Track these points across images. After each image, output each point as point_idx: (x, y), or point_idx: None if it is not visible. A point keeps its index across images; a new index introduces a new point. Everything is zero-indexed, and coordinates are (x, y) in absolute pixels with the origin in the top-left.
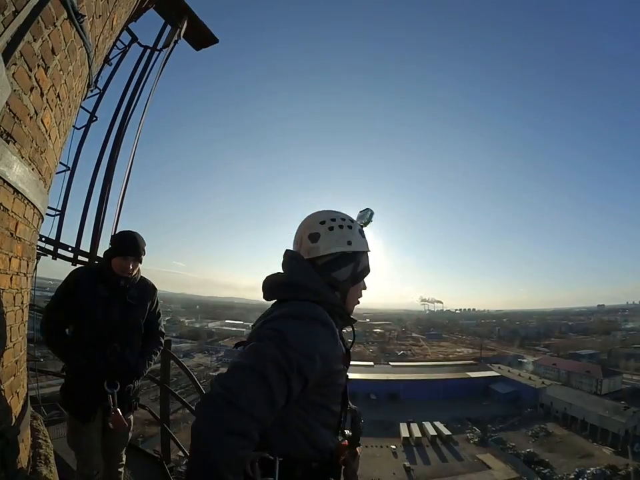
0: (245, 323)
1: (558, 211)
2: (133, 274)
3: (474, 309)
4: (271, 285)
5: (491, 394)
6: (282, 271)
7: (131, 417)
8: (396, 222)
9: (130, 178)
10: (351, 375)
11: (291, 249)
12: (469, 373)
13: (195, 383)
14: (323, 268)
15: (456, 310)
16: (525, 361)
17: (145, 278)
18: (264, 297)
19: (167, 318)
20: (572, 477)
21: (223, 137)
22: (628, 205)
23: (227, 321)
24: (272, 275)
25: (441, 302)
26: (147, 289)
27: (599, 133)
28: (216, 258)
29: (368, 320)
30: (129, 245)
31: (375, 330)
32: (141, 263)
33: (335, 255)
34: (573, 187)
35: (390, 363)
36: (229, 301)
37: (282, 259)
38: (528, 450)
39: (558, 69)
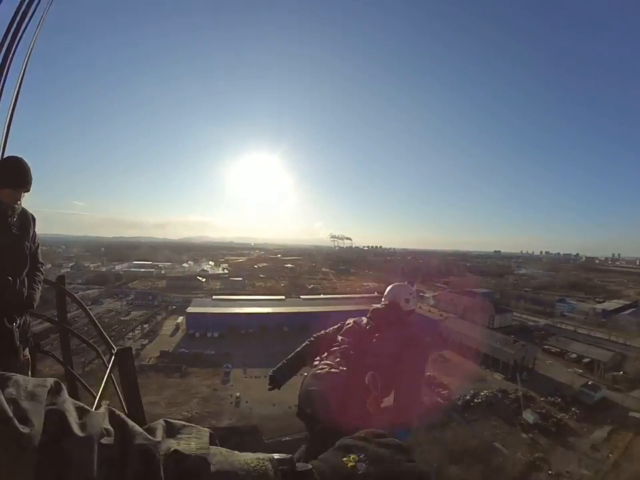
0: (154, 263)
1: (466, 160)
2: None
3: (381, 247)
4: None
5: None
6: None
7: (27, 353)
8: (308, 158)
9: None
10: (264, 309)
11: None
12: (374, 305)
13: (93, 321)
14: None
15: (364, 247)
16: (425, 295)
17: (24, 208)
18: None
19: (70, 264)
20: (468, 397)
21: (126, 62)
22: (529, 163)
23: (134, 262)
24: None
25: (350, 239)
26: (27, 219)
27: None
28: (118, 195)
29: (279, 255)
30: (21, 176)
31: (286, 265)
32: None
33: None
34: (480, 140)
35: (301, 296)
36: (136, 240)
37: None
38: (428, 374)
39: None
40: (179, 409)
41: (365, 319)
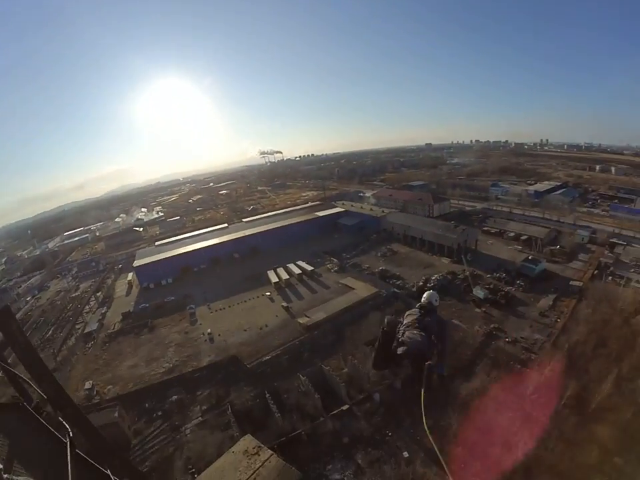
0: (85, 228)
1: (389, 50)
2: None
3: (312, 155)
4: None
5: (340, 227)
6: None
7: None
8: (225, 77)
9: None
10: (210, 242)
11: None
12: (317, 213)
13: None
14: None
15: (296, 157)
16: (365, 195)
17: None
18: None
19: (2, 259)
20: (421, 283)
21: None
22: (449, 55)
23: (65, 234)
24: None
25: (280, 152)
26: None
27: None
28: (22, 169)
29: (212, 184)
30: None
31: (221, 192)
32: None
33: None
34: (403, 26)
35: (243, 220)
36: (59, 211)
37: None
38: (381, 268)
39: None
40: (158, 363)
41: (416, 311)
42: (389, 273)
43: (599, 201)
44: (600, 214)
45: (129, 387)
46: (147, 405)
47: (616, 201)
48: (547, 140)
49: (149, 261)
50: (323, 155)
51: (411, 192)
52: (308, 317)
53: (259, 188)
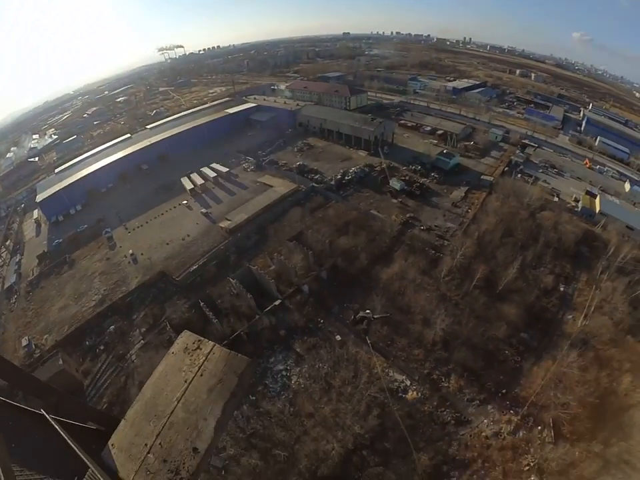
0: None
1: None
2: None
3: (218, 46)
4: None
5: (253, 124)
6: None
7: None
8: None
9: None
10: (113, 157)
11: None
12: (227, 110)
13: None
14: None
15: (200, 51)
16: (278, 87)
17: None
18: None
19: None
20: (339, 176)
21: None
22: None
23: None
24: None
25: (181, 46)
26: None
27: None
28: None
29: (107, 92)
30: None
31: (118, 100)
32: None
33: None
34: None
35: (147, 127)
36: None
37: None
38: (298, 163)
39: None
40: (87, 297)
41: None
42: (306, 167)
43: (515, 103)
44: (515, 116)
45: (65, 330)
46: (87, 342)
47: (532, 105)
48: (470, 39)
49: (51, 192)
50: (229, 45)
51: (327, 84)
52: (229, 220)
53: (161, 89)
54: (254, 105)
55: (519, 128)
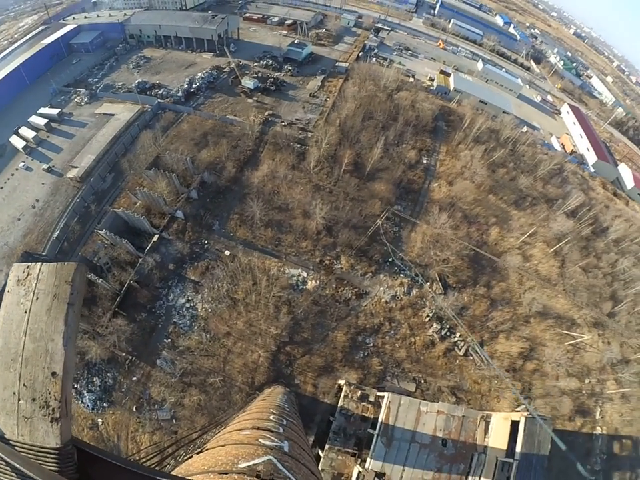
0: None
1: None
2: None
3: None
4: None
5: (77, 49)
6: None
7: None
8: None
9: None
10: None
11: None
12: (44, 41)
13: None
14: None
15: None
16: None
17: None
18: None
19: None
20: (185, 85)
21: None
22: None
23: None
24: None
25: None
26: None
27: None
28: None
29: None
30: None
31: None
32: None
33: None
34: None
35: None
36: None
37: None
38: (137, 81)
39: None
40: None
41: None
42: (147, 84)
43: None
44: (367, 0)
45: None
46: None
47: None
48: None
49: None
50: None
51: None
52: (76, 167)
53: None
54: (74, 26)
55: (372, 12)
